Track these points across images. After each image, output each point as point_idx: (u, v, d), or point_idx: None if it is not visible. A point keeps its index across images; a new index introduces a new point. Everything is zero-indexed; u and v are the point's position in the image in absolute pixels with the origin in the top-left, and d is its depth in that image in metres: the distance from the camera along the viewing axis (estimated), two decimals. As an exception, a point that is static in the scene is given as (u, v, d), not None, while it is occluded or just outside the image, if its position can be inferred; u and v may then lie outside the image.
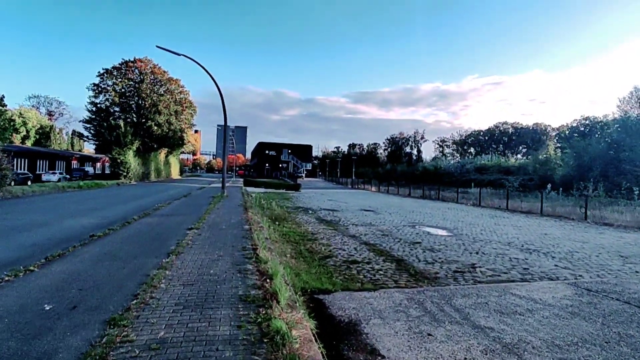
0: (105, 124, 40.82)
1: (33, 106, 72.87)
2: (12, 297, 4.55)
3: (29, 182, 33.03)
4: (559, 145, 79.01)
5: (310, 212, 18.75)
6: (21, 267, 5.76)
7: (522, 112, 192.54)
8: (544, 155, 54.59)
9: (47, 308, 4.22)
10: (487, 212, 21.12)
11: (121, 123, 40.37)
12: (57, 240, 8.57)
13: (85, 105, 45.26)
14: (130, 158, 41.01)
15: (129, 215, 13.08)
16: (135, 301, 4.47)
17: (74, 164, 53.08)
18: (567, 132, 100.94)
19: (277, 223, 13.58)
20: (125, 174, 40.02)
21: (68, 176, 41.15)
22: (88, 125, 45.30)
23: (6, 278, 5.22)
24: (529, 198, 28.81)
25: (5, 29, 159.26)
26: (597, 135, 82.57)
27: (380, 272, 7.50)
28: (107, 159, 43.66)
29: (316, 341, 3.73)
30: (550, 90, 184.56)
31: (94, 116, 45.05)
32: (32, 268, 5.76)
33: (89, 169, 54.75)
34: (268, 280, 5.22)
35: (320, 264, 7.94)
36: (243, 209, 15.70)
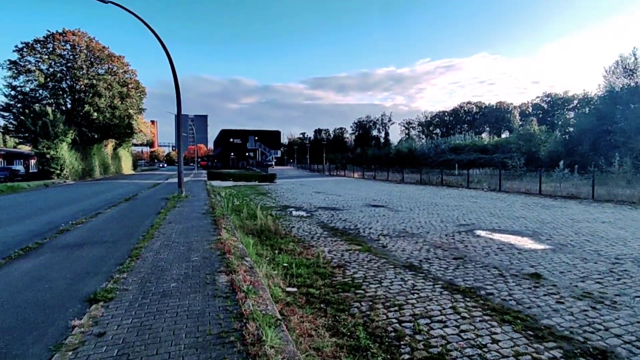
0: (27, 111, 32.48)
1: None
2: None
3: None
4: (522, 121, 79.15)
5: (305, 214, 13.52)
6: None
7: (473, 94, 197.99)
8: (528, 132, 52.08)
9: None
10: (528, 200, 16.83)
11: (49, 110, 32.29)
12: None
13: (1, 89, 36.40)
14: (64, 152, 33.30)
15: (7, 247, 7.31)
16: None
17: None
18: (530, 109, 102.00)
19: (268, 243, 8.30)
20: (58, 172, 32.47)
21: (-14, 178, 33.00)
22: (6, 114, 36.52)
23: None
24: (532, 178, 25.58)
25: None
26: (558, 112, 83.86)
27: None
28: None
29: None
30: (497, 72, 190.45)
31: (12, 102, 36.29)
32: None
33: (19, 167, 45.81)
34: None
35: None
36: (211, 220, 10.21)
